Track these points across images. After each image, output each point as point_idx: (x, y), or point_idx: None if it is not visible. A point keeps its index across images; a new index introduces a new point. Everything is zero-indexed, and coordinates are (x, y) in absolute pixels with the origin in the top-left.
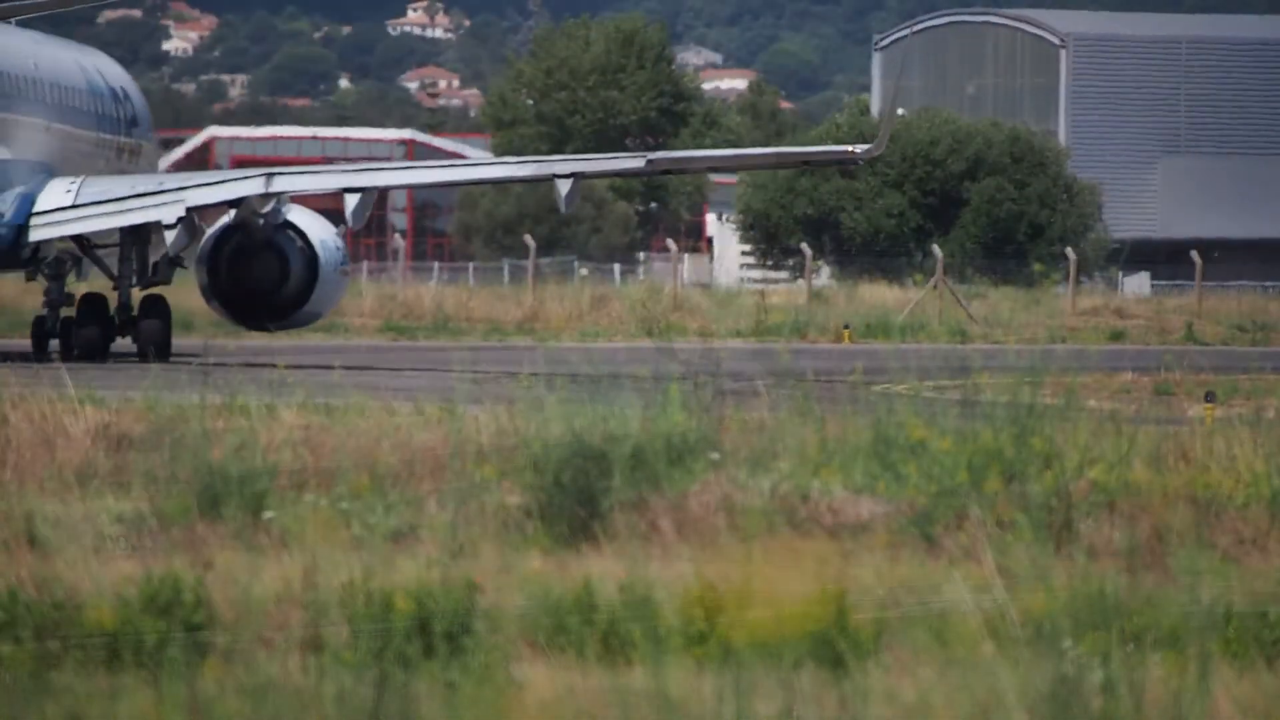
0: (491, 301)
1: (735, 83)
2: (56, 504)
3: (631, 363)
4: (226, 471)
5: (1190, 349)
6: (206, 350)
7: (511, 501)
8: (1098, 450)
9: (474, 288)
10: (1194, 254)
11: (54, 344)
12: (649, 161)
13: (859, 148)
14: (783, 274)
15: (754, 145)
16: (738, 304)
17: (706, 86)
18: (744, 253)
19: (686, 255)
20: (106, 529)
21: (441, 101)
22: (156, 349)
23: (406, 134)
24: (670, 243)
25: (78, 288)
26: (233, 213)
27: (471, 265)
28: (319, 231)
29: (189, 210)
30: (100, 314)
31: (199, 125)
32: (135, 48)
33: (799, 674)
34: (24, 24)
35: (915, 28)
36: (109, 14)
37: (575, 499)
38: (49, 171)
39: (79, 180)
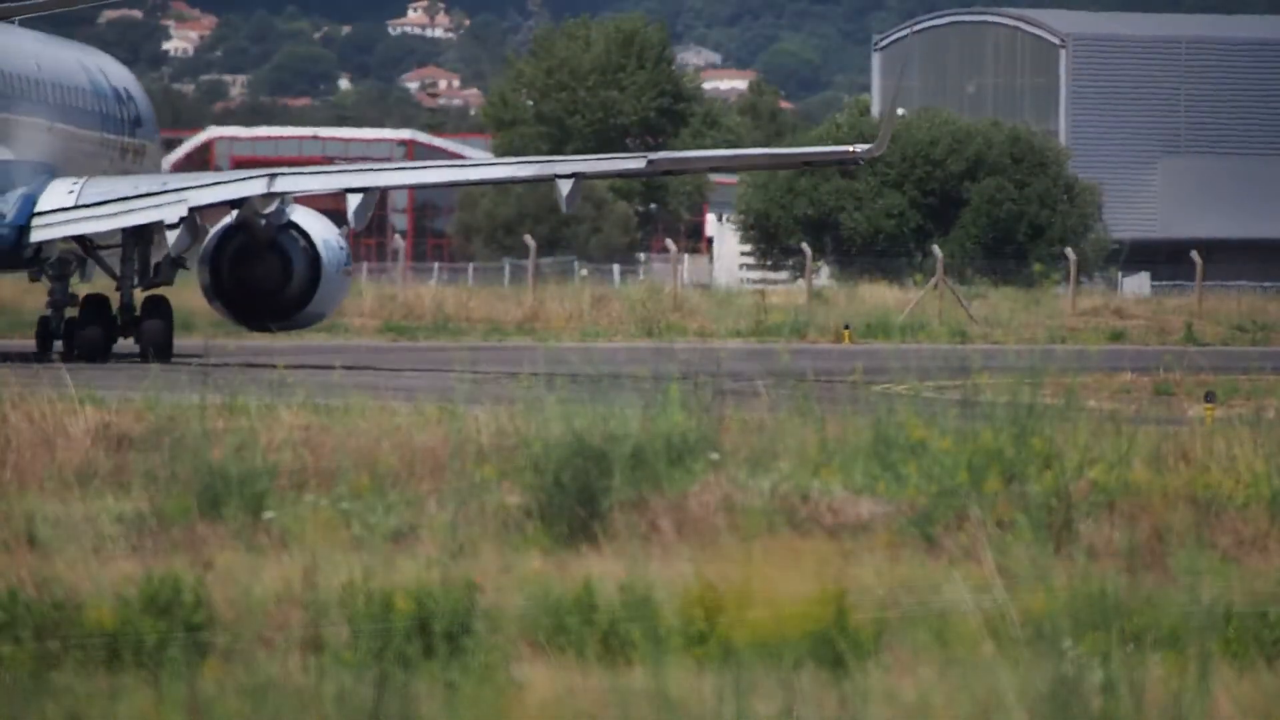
0: (491, 302)
1: (735, 83)
2: (56, 504)
3: (631, 363)
4: (226, 471)
5: (1190, 349)
6: (207, 350)
7: (511, 501)
8: (1098, 450)
9: (474, 288)
10: (1194, 254)
11: (58, 345)
12: (650, 162)
13: (860, 148)
14: (783, 274)
15: (754, 145)
16: (737, 304)
17: (706, 86)
18: (744, 253)
19: (686, 255)
20: (106, 529)
21: (442, 101)
22: (158, 349)
23: (406, 134)
24: (670, 243)
25: (80, 289)
26: (235, 213)
27: (471, 265)
28: (322, 232)
29: (191, 210)
30: (102, 314)
31: (199, 125)
32: (135, 48)
33: (799, 674)
34: (26, 24)
35: (915, 28)
36: (109, 14)
37: (575, 499)
38: (51, 172)
39: (81, 181)
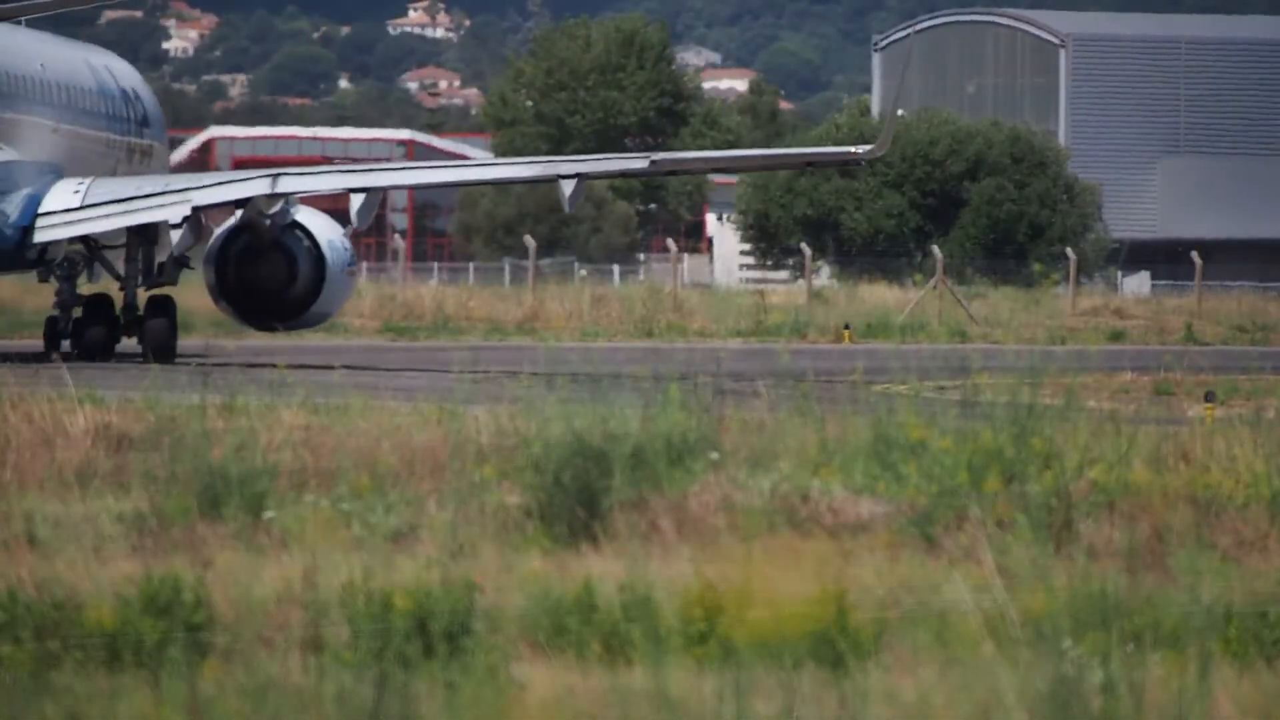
0: (492, 301)
1: (735, 83)
2: (56, 504)
3: (631, 363)
4: (226, 471)
5: (1190, 349)
6: (209, 350)
7: (511, 501)
8: (1097, 450)
9: (474, 288)
10: (1194, 254)
11: (66, 344)
12: (652, 162)
13: (861, 149)
14: (782, 274)
15: (754, 145)
16: (737, 304)
17: (706, 86)
18: (744, 253)
19: (686, 255)
20: (106, 529)
21: (442, 101)
22: (162, 349)
23: (406, 134)
24: (670, 243)
25: (88, 289)
26: (239, 213)
27: (472, 265)
28: (326, 232)
29: (195, 210)
30: (106, 314)
31: (199, 125)
32: (135, 48)
33: (799, 674)
34: (32, 24)
35: (915, 28)
36: (109, 14)
37: (575, 499)
38: (57, 172)
39: (87, 181)
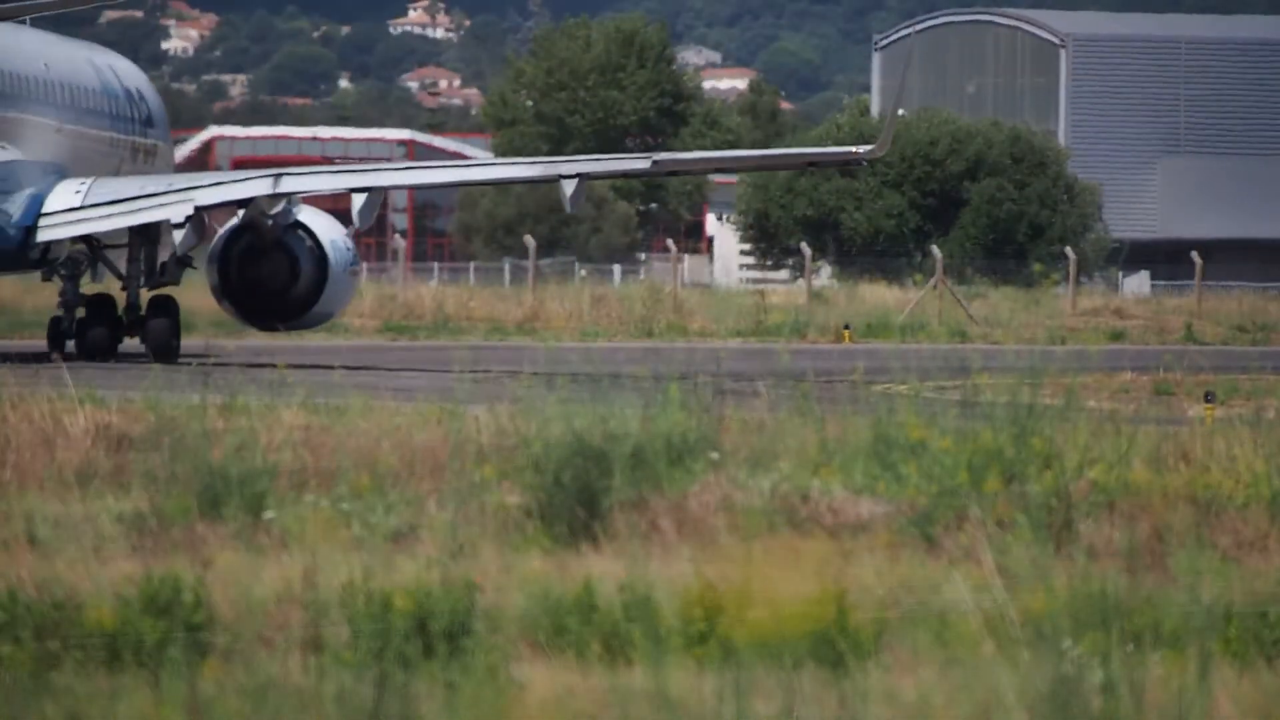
0: (492, 301)
1: (735, 83)
2: (56, 504)
3: (631, 363)
4: (226, 471)
5: (1190, 349)
6: (209, 350)
7: (511, 501)
8: (1097, 450)
9: (474, 288)
10: (1194, 254)
11: (70, 345)
12: (654, 163)
13: (862, 148)
14: (782, 274)
15: (754, 145)
16: (737, 304)
17: (706, 86)
18: (744, 253)
19: (686, 255)
20: (106, 529)
21: (442, 101)
22: (165, 349)
23: (406, 134)
24: (670, 243)
25: (92, 289)
26: (242, 213)
27: (472, 265)
28: (329, 232)
29: (197, 210)
30: (108, 314)
31: (199, 125)
32: (135, 47)
33: (799, 674)
34: (34, 24)
35: (915, 28)
36: (109, 13)
37: (575, 499)
38: (60, 172)
39: (89, 181)
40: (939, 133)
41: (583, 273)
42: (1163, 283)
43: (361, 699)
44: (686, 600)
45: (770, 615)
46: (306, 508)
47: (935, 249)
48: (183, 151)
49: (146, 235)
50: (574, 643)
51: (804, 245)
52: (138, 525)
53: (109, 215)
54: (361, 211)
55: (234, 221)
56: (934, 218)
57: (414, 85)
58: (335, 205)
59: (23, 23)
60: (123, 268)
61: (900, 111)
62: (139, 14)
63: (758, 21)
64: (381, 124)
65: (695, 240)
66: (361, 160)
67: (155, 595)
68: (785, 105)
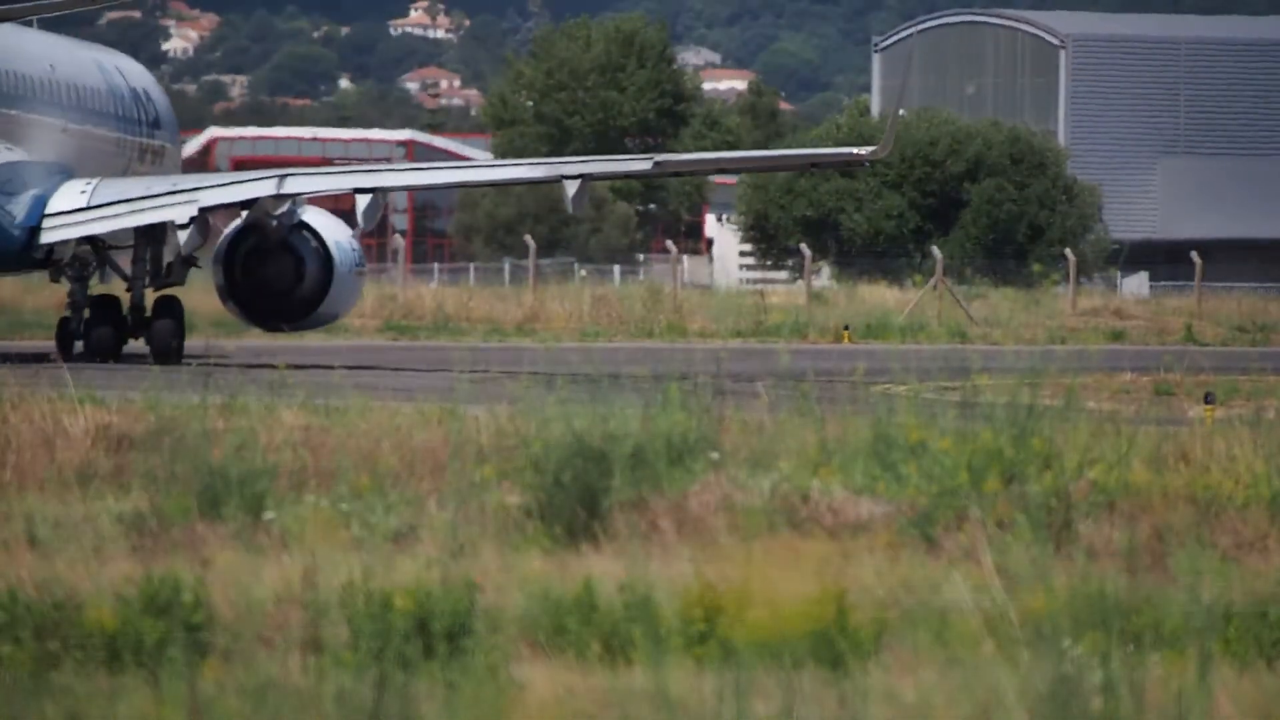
0: (492, 302)
1: (735, 83)
2: (56, 504)
3: (631, 363)
4: (226, 471)
5: (1190, 349)
6: (209, 350)
7: (511, 501)
8: (1097, 451)
9: (474, 288)
10: (1193, 254)
11: (79, 345)
12: (656, 164)
13: (864, 149)
14: (782, 274)
15: (754, 146)
16: (737, 305)
17: (706, 87)
18: (743, 253)
19: (686, 256)
20: (106, 529)
21: (442, 101)
22: (170, 350)
23: (406, 134)
24: (670, 244)
25: (99, 290)
26: (246, 214)
27: (472, 265)
28: (334, 232)
29: (201, 211)
30: (113, 315)
31: (199, 126)
32: (135, 48)
33: (799, 674)
34: (40, 26)
35: (915, 28)
36: (109, 14)
37: (575, 499)
38: (65, 173)
39: (94, 182)
40: (939, 133)
41: (582, 273)
42: (1162, 283)
43: (361, 699)
44: (686, 600)
45: (770, 615)
46: (306, 508)
47: (935, 249)
48: (183, 152)
49: (151, 236)
50: (574, 643)
51: (804, 246)
52: (138, 525)
53: (113, 216)
54: (366, 212)
55: (239, 222)
56: (934, 218)
57: (414, 86)
58: (336, 205)
59: (29, 24)
60: (128, 269)
61: (900, 112)
62: (138, 14)
63: (757, 22)
64: (382, 124)
65: (695, 241)
66: (362, 161)
67: (155, 595)
68: (785, 106)
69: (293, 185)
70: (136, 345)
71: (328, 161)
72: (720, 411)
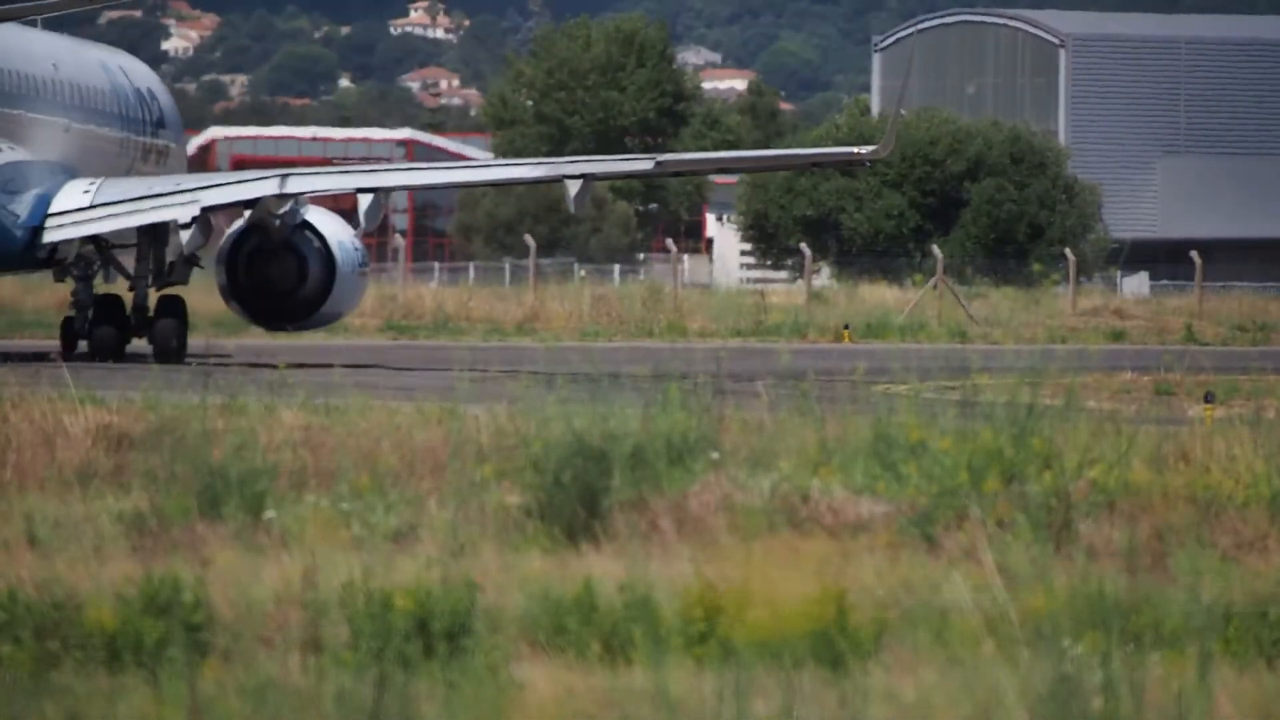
0: (492, 301)
1: (735, 83)
2: (56, 504)
3: (631, 363)
4: (226, 471)
5: (1190, 349)
6: (210, 350)
7: (511, 501)
8: (1097, 450)
9: (474, 288)
10: (1194, 254)
11: (83, 345)
12: (658, 163)
13: (865, 149)
14: (782, 274)
15: (754, 145)
16: (737, 304)
17: (706, 86)
18: (744, 253)
19: (686, 256)
20: (106, 529)
21: (442, 101)
22: (173, 349)
23: (406, 134)
24: (670, 243)
25: (104, 289)
26: (249, 214)
27: (472, 265)
28: (336, 232)
29: (204, 210)
30: (116, 315)
31: (200, 126)
32: (135, 48)
33: (799, 674)
34: (44, 25)
35: (915, 28)
36: (109, 13)
37: (575, 499)
38: (69, 173)
39: (98, 181)
40: (939, 133)
41: (582, 273)
42: (1163, 283)
43: (361, 699)
44: (686, 600)
45: (770, 615)
46: (306, 508)
47: (935, 249)
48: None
49: (154, 235)
50: (574, 643)
51: (804, 245)
52: (138, 525)
53: (115, 215)
54: (368, 212)
55: (241, 222)
56: (934, 218)
57: (414, 85)
58: (336, 205)
59: (34, 24)
60: (131, 268)
61: (901, 112)
62: (138, 14)
63: (757, 21)
64: (381, 124)
65: (695, 240)
66: (362, 160)
67: (155, 595)
68: (785, 105)
69: (295, 185)
70: (139, 344)
71: (328, 161)
72: (720, 411)
